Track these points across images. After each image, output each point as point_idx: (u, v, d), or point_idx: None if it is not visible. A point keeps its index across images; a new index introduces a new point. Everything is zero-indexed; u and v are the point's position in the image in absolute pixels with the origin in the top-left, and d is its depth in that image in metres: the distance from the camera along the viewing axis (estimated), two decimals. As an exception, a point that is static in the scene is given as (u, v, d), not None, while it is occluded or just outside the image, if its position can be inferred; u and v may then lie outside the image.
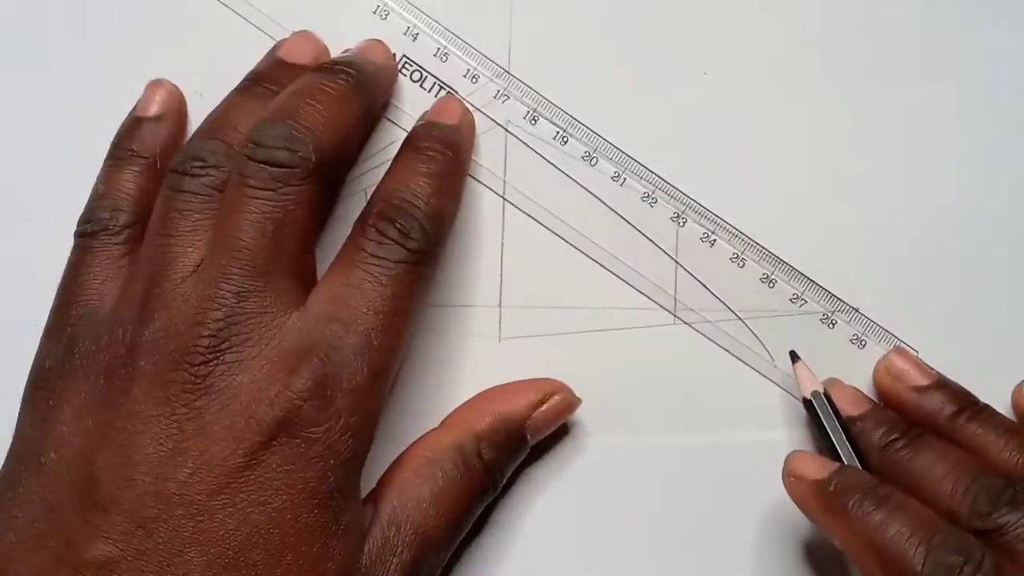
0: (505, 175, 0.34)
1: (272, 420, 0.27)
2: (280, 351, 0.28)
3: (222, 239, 0.28)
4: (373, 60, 0.33)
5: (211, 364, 0.27)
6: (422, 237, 0.29)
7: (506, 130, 0.34)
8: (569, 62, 0.34)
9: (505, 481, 0.32)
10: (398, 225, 0.29)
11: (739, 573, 0.33)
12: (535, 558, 0.33)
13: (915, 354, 0.33)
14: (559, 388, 0.33)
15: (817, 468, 0.30)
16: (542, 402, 0.32)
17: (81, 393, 0.28)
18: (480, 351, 0.34)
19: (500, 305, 0.34)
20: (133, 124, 0.33)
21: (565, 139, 0.34)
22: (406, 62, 0.34)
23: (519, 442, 0.32)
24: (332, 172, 0.30)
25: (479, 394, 0.33)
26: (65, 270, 0.31)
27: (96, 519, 0.26)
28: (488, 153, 0.34)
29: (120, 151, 0.32)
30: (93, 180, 0.32)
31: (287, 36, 0.33)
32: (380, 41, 0.34)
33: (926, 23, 0.35)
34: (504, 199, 0.34)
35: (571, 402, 0.33)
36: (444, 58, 0.34)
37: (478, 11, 0.34)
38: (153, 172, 0.32)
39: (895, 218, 0.34)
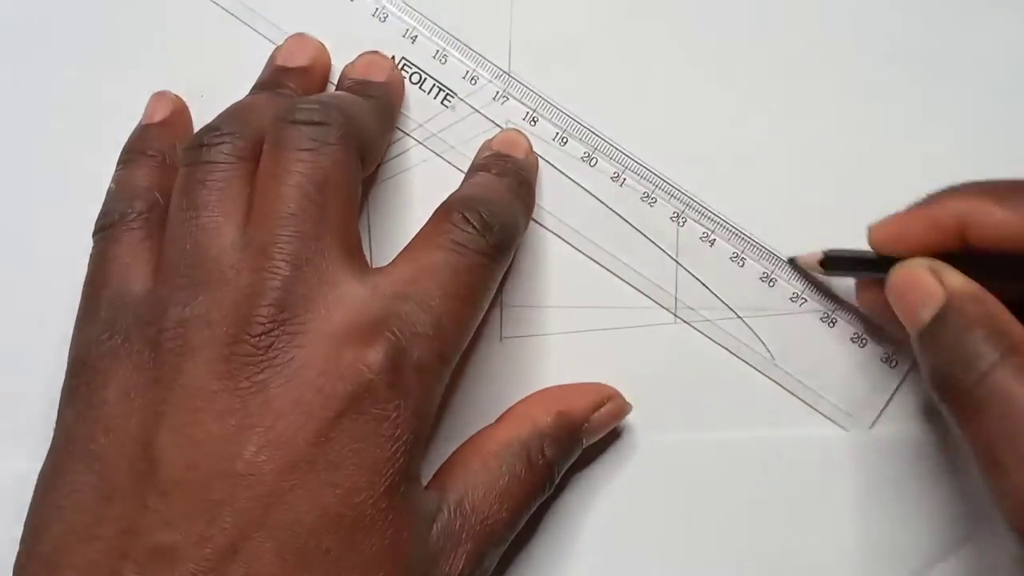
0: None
1: (343, 394, 0.26)
2: (348, 323, 0.27)
3: (265, 207, 0.27)
4: (380, 82, 0.33)
5: (272, 335, 0.26)
6: (501, 234, 0.29)
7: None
8: (569, 62, 0.35)
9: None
10: (483, 214, 0.29)
11: (734, 571, 0.33)
12: (531, 556, 0.33)
13: None
14: (614, 394, 0.33)
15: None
16: (600, 405, 0.32)
17: (126, 372, 0.27)
18: (481, 351, 0.34)
19: (501, 305, 0.34)
20: (140, 131, 0.33)
21: (564, 140, 0.34)
22: (405, 64, 0.34)
23: (576, 443, 0.32)
24: (362, 147, 0.29)
25: (539, 392, 0.33)
26: (89, 265, 0.30)
27: (157, 504, 0.25)
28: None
29: (129, 154, 0.32)
30: (96, 178, 0.32)
31: (282, 42, 0.33)
32: (378, 54, 0.34)
33: (926, 23, 0.35)
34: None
35: (624, 407, 0.33)
36: (443, 60, 0.34)
37: (478, 12, 0.35)
38: (164, 168, 0.31)
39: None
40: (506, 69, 0.34)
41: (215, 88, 0.32)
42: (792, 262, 0.34)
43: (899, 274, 0.29)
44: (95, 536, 0.26)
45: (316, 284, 0.27)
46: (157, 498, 0.25)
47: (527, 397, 0.33)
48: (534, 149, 0.34)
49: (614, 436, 0.34)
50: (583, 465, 0.34)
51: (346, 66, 0.33)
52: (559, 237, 0.34)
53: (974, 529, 0.33)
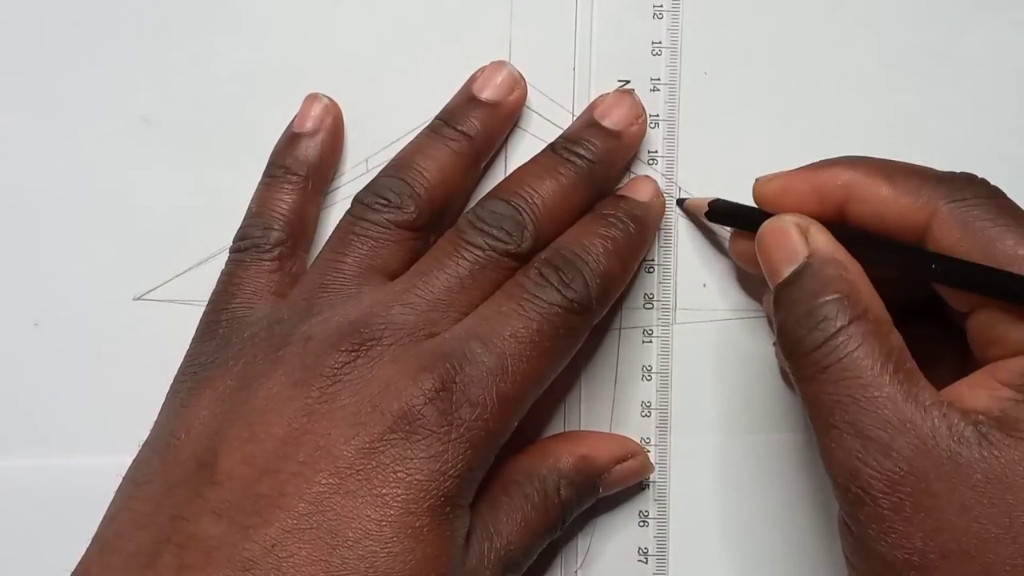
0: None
1: (395, 411, 0.27)
2: (418, 352, 0.28)
3: (421, 271, 0.30)
4: (613, 131, 0.32)
5: (355, 352, 0.28)
6: (583, 290, 0.29)
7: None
8: (569, 62, 0.34)
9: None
10: (562, 274, 0.29)
11: (736, 572, 0.33)
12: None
13: None
14: (638, 451, 0.33)
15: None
16: (624, 459, 0.32)
17: (227, 380, 0.29)
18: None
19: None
20: (289, 140, 0.33)
21: None
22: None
23: (593, 490, 0.32)
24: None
25: (566, 433, 0.33)
26: (217, 284, 0.32)
27: (208, 492, 0.27)
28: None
29: (274, 168, 0.33)
30: (96, 180, 0.32)
31: (483, 67, 0.33)
32: (628, 98, 0.33)
33: (926, 23, 0.34)
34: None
35: (647, 467, 0.33)
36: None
37: (478, 13, 0.34)
38: (305, 190, 0.33)
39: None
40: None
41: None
42: (680, 203, 0.34)
43: (768, 227, 0.29)
44: (150, 523, 0.27)
45: (413, 331, 0.29)
46: (210, 488, 0.27)
47: (554, 436, 0.33)
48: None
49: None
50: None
51: (595, 107, 0.33)
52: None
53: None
